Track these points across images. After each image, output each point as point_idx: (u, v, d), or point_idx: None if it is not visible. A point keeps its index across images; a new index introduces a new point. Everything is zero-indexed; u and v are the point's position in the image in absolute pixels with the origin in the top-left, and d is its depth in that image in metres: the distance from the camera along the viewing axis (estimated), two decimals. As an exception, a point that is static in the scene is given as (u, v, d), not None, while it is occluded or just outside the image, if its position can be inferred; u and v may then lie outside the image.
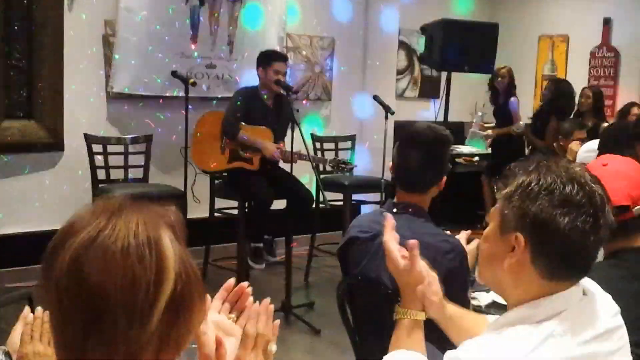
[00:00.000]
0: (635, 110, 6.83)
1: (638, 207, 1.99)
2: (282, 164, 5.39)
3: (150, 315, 1.03)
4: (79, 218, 1.06)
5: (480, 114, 8.24)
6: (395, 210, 2.53)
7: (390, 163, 2.68)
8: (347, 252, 2.67)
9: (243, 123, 5.36)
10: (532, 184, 1.44)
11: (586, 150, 3.92)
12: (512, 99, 7.41)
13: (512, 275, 1.48)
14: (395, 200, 2.61)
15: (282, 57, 5.55)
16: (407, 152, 2.57)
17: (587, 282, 1.53)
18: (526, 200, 1.43)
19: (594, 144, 3.77)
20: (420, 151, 2.55)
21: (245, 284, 1.44)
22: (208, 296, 1.26)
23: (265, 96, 5.46)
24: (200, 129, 5.46)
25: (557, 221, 1.40)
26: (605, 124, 6.40)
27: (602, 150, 3.31)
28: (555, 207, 1.40)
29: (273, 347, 1.38)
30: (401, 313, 1.67)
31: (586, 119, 6.74)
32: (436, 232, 2.51)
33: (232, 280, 1.46)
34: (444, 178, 2.58)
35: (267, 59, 5.43)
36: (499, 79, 7.39)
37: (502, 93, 7.49)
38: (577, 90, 7.16)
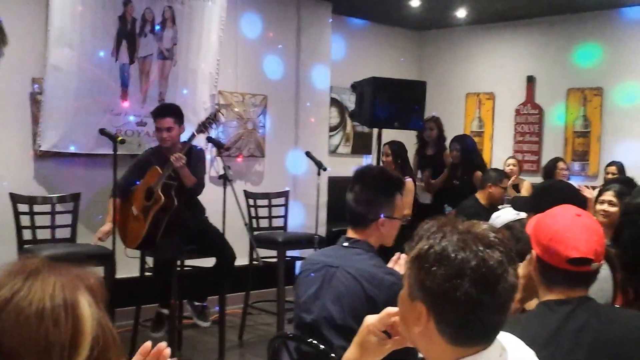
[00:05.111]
0: (561, 164, 7.03)
1: (596, 263, 1.97)
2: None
3: None
4: None
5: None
6: (346, 244, 2.74)
7: None
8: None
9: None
10: (428, 252, 1.40)
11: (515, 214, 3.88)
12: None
13: (424, 341, 1.46)
14: (346, 235, 2.79)
15: (161, 113, 5.17)
16: (350, 189, 2.77)
17: (505, 338, 1.50)
18: (422, 271, 1.40)
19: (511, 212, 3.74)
20: (358, 187, 2.74)
21: (163, 344, 1.39)
22: None
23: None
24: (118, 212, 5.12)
25: (450, 293, 1.36)
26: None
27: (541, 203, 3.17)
28: (446, 278, 1.36)
29: None
30: None
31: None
32: (381, 264, 2.66)
33: (148, 344, 1.40)
34: (382, 219, 2.70)
35: (152, 116, 5.22)
36: (428, 130, 7.41)
37: (431, 144, 7.52)
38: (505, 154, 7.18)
